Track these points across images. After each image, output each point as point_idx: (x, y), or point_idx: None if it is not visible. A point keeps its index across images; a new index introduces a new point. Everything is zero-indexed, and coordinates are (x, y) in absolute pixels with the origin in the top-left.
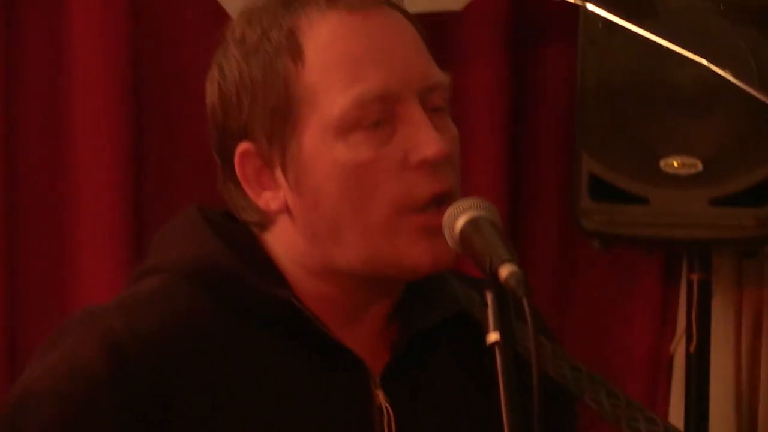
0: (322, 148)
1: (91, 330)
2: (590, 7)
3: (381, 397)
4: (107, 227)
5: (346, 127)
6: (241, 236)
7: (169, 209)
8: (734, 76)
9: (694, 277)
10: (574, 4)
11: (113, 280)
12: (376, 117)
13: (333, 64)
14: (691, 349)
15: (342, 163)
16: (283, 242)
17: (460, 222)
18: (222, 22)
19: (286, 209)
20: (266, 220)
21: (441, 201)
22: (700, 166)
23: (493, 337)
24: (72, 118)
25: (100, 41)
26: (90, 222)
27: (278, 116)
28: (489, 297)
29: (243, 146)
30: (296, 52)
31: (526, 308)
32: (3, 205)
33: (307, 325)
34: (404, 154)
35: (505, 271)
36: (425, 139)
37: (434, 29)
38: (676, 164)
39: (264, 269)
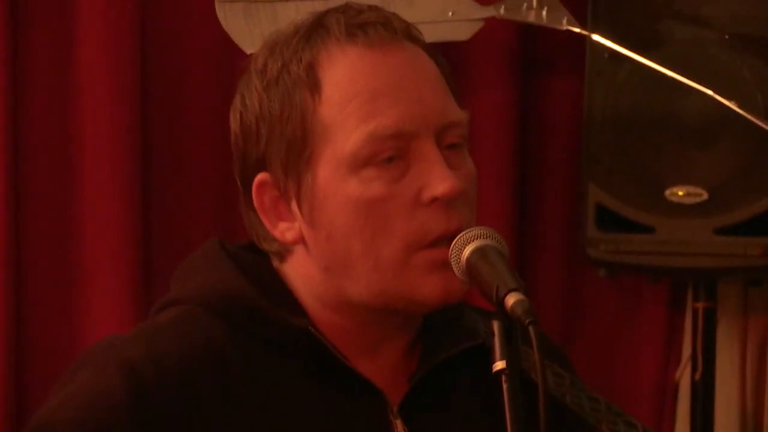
0: (335, 182)
1: (111, 359)
2: (596, 37)
3: (399, 426)
4: (115, 254)
5: (359, 163)
6: (261, 268)
7: (177, 233)
8: (739, 106)
9: (700, 306)
10: (580, 35)
11: (121, 303)
12: (390, 153)
13: (349, 100)
14: (697, 376)
15: (354, 198)
16: (300, 274)
17: (467, 251)
18: (230, 49)
19: (302, 241)
20: (284, 251)
21: (452, 239)
22: (705, 196)
23: (499, 365)
24: (80, 147)
25: (108, 67)
26: (98, 248)
27: (294, 149)
28: (495, 325)
29: (260, 177)
30: (314, 86)
31: (533, 336)
32: (10, 226)
33: (325, 354)
34: (417, 192)
35: (511, 299)
36: (437, 177)
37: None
38: (681, 194)
39: (283, 300)
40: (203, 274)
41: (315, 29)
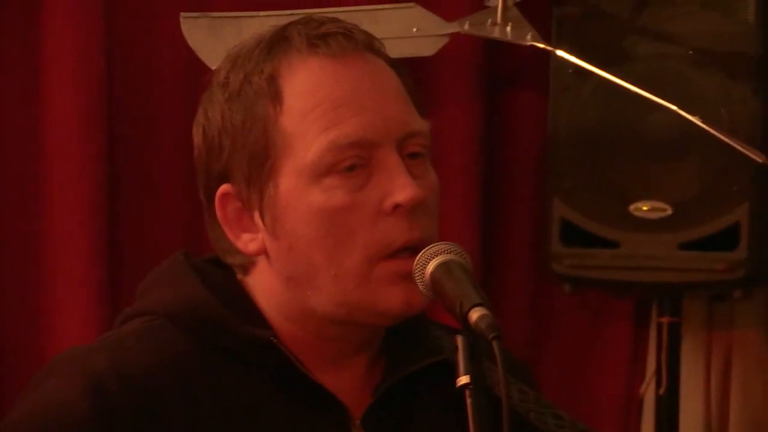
0: (297, 192)
1: (75, 370)
2: (561, 53)
3: None
4: (83, 263)
5: (320, 172)
6: (225, 281)
7: (145, 245)
8: (703, 122)
9: (664, 321)
10: (545, 51)
11: (89, 311)
12: (352, 161)
13: (310, 109)
14: (661, 391)
15: (316, 207)
16: (263, 287)
17: (431, 266)
18: (196, 65)
19: (264, 252)
20: (248, 263)
21: (414, 249)
22: (669, 211)
23: (463, 380)
24: (49, 163)
25: (75, 82)
26: (66, 257)
27: (256, 160)
28: (459, 340)
29: (223, 188)
30: (276, 97)
31: (496, 351)
32: None
33: (288, 366)
34: (379, 200)
35: (475, 314)
36: (399, 185)
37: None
38: (645, 209)
39: (246, 312)
40: (168, 286)
41: (277, 41)
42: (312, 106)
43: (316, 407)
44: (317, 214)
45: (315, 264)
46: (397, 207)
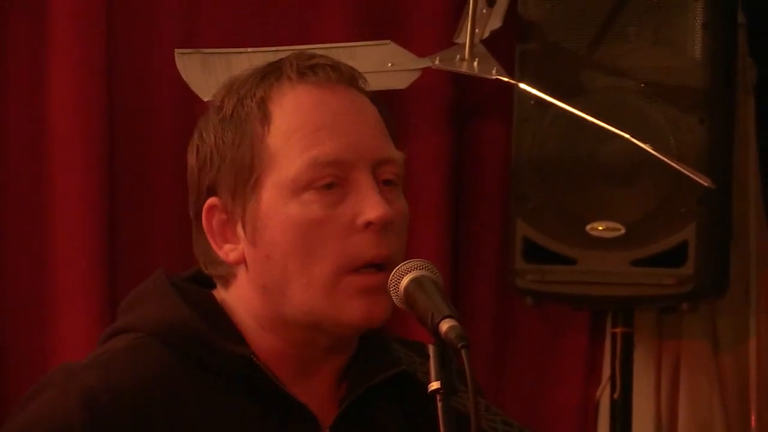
0: (278, 205)
1: (69, 385)
2: (523, 86)
3: None
4: (83, 273)
5: (300, 187)
6: (202, 298)
7: (142, 256)
8: (654, 149)
9: (618, 331)
10: (509, 84)
11: (89, 316)
12: (330, 180)
13: (295, 130)
14: (615, 395)
15: (294, 219)
16: (241, 298)
17: (405, 281)
18: (189, 96)
19: (243, 261)
20: (229, 275)
21: (380, 266)
22: (623, 231)
23: (434, 385)
24: (52, 182)
25: (78, 120)
26: (67, 269)
27: (242, 174)
28: (431, 349)
29: (210, 201)
30: (264, 118)
31: (465, 359)
32: None
33: (264, 380)
34: (351, 217)
35: (445, 325)
36: (371, 204)
37: None
38: (601, 228)
39: (224, 329)
40: (152, 304)
41: (270, 71)
42: (296, 128)
43: (290, 418)
44: (294, 225)
45: (289, 273)
46: (368, 225)
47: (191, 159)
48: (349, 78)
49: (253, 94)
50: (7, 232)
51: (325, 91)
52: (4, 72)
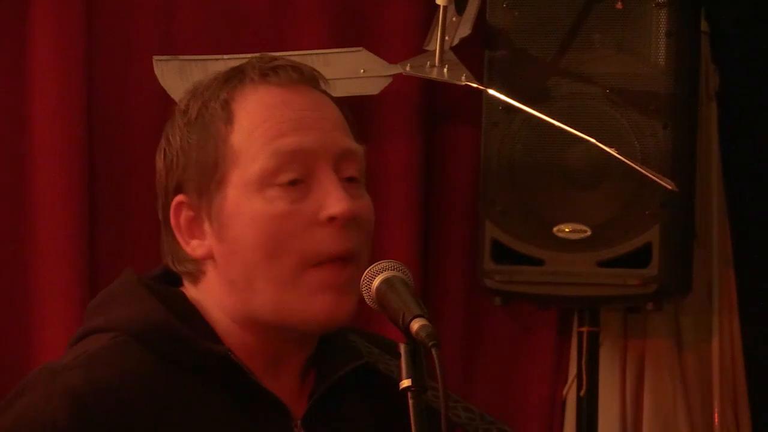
0: (242, 201)
1: (53, 386)
2: (492, 92)
3: None
4: (64, 274)
5: (264, 182)
6: (174, 297)
7: (121, 254)
8: (619, 153)
9: (584, 330)
10: (477, 90)
11: (71, 317)
12: (293, 176)
13: (257, 126)
14: (582, 393)
15: (259, 213)
16: (212, 293)
17: (376, 281)
18: (167, 104)
19: (211, 256)
20: (197, 272)
21: (345, 259)
22: (589, 232)
23: (405, 383)
24: (32, 186)
25: (58, 124)
26: (48, 268)
27: (207, 172)
28: (402, 347)
29: (178, 198)
30: (228, 118)
31: (435, 357)
32: None
33: (239, 375)
34: (315, 211)
35: (416, 324)
36: (335, 199)
37: (356, 110)
38: (567, 230)
39: (198, 327)
40: (127, 305)
41: (233, 74)
42: (258, 124)
43: (265, 412)
44: (259, 219)
45: (255, 267)
46: (331, 219)
47: (159, 162)
48: (310, 78)
49: (217, 96)
50: None
51: (286, 90)
52: None
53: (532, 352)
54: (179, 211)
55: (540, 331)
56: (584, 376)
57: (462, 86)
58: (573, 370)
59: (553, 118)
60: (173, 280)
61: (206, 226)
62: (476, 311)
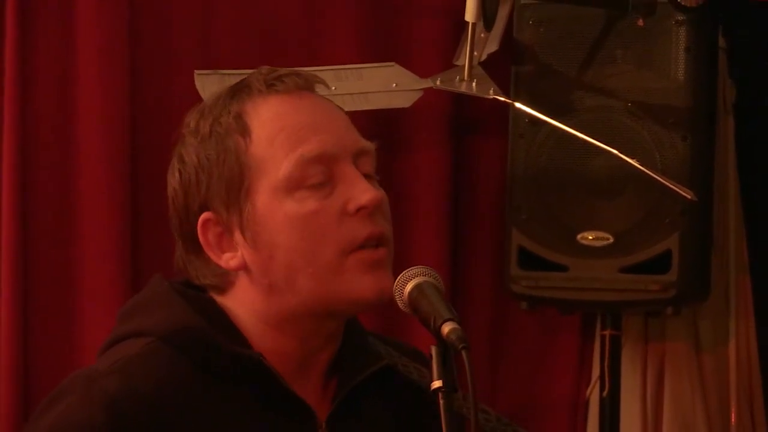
0: (273, 206)
1: (90, 392)
2: (518, 105)
3: None
4: (109, 274)
5: (292, 186)
6: (206, 303)
7: (164, 254)
8: (640, 164)
9: (606, 333)
10: (505, 103)
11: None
12: (318, 179)
13: (276, 135)
14: (604, 394)
15: (292, 215)
16: (243, 301)
17: (409, 287)
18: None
19: (245, 267)
20: (225, 283)
21: (377, 241)
22: (611, 240)
23: (436, 384)
24: (78, 191)
25: (104, 135)
26: (93, 267)
27: (233, 185)
28: (433, 350)
29: (204, 216)
30: (244, 131)
31: (465, 359)
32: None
33: (269, 379)
34: (343, 204)
35: (446, 328)
36: (360, 190)
37: (388, 122)
38: (591, 238)
39: (230, 332)
40: (159, 309)
41: (239, 88)
42: (277, 132)
43: (293, 414)
44: (292, 221)
45: (294, 267)
46: (360, 209)
47: (173, 183)
48: (312, 84)
49: (228, 111)
50: (34, 242)
51: (294, 97)
52: (32, 93)
53: (557, 355)
54: (207, 228)
55: (564, 335)
56: (607, 378)
57: (490, 99)
58: (596, 372)
59: (577, 131)
60: (197, 287)
61: (237, 238)
62: (503, 315)
